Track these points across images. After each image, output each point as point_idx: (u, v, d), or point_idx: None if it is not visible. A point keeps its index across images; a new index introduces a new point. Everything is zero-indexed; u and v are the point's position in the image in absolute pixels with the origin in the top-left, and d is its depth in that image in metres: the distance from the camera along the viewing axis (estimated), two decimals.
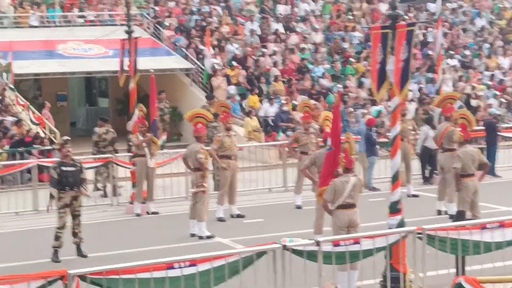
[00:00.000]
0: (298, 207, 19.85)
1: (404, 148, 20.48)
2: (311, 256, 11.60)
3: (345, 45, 34.71)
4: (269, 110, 29.03)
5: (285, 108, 28.61)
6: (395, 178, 12.63)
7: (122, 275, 10.54)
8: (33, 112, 26.98)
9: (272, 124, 28.56)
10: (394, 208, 12.64)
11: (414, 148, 22.49)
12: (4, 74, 28.03)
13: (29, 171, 21.47)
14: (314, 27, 35.80)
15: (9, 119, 26.08)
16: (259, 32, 34.37)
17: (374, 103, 28.96)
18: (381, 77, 12.27)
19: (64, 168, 15.65)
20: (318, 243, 11.64)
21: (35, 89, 32.89)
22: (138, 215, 19.62)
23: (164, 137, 22.48)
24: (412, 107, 28.70)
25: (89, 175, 22.18)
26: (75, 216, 15.78)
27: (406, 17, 35.77)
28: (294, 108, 28.71)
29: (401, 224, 12.56)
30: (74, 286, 10.38)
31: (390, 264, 12.33)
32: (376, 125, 23.35)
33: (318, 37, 35.11)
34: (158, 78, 23.11)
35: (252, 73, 31.51)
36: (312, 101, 25.60)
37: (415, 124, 23.09)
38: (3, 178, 22.42)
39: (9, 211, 20.48)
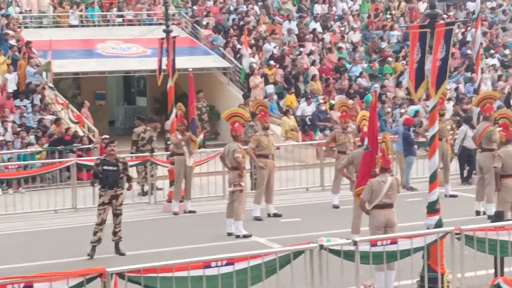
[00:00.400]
0: (336, 207, 19.81)
1: (442, 148, 20.35)
2: (348, 256, 11.58)
3: (383, 44, 34.57)
4: (307, 109, 28.99)
5: (322, 107, 28.55)
6: (433, 178, 12.58)
7: (160, 273, 10.61)
8: (72, 111, 27.18)
9: (309, 123, 28.52)
10: (432, 208, 12.59)
11: (453, 148, 22.34)
12: (44, 73, 28.26)
13: (68, 169, 21.62)
14: (352, 26, 35.70)
15: (49, 117, 26.29)
16: (296, 31, 34.34)
17: (412, 102, 28.81)
18: (419, 76, 12.22)
19: (105, 167, 15.76)
20: (355, 243, 11.62)
21: (74, 88, 33.14)
22: (175, 213, 19.70)
23: (201, 136, 22.53)
24: (450, 106, 28.51)
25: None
26: (116, 215, 15.89)
27: (445, 16, 35.54)
28: (331, 107, 28.67)
29: (439, 224, 12.50)
30: (112, 284, 10.46)
31: (428, 265, 12.28)
32: (414, 124, 23.23)
33: (356, 36, 35.00)
34: (195, 77, 23.14)
35: (290, 72, 31.50)
36: (350, 101, 25.55)
37: (453, 123, 22.93)
38: (43, 176, 22.59)
39: (48, 209, 20.66)
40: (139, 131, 22.50)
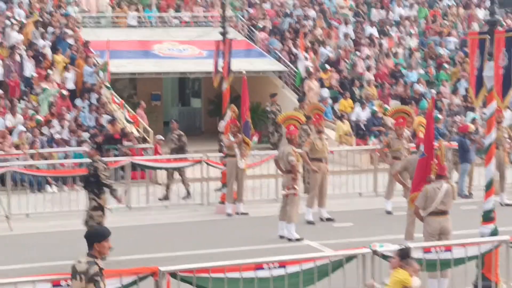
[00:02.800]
0: (389, 213, 19.69)
1: (499, 156, 20.13)
2: None
3: (440, 50, 34.28)
4: (361, 114, 28.87)
5: (379, 114, 28.37)
6: (488, 186, 12.45)
7: (212, 273, 10.65)
8: (128, 111, 27.41)
9: (364, 128, 28.39)
10: (488, 217, 12.47)
11: (509, 156, 22.06)
12: (101, 73, 28.54)
13: (122, 168, 21.80)
14: (409, 31, 35.46)
15: (105, 117, 26.55)
16: (353, 35, 34.23)
17: (468, 109, 28.53)
18: (479, 83, 12.10)
19: None
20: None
21: (130, 88, 33.40)
22: (229, 215, 19.75)
23: (254, 138, 22.55)
24: (508, 114, 28.18)
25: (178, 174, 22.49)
26: None
27: (503, 23, 35.12)
28: (385, 112, 28.53)
29: (494, 233, 12.37)
30: (164, 283, 10.53)
31: (482, 274, 12.16)
32: (470, 132, 23.00)
33: (413, 42, 34.77)
34: (250, 79, 23.25)
35: (345, 76, 31.40)
36: (407, 107, 25.30)
37: (510, 132, 22.66)
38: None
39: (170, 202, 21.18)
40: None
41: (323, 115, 21.66)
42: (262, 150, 24.78)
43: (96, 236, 8.96)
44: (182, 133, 22.75)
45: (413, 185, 14.00)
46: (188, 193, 21.94)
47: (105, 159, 22.08)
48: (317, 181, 18.91)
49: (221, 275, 10.62)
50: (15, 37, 28.71)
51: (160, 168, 22.99)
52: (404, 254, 9.91)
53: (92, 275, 8.72)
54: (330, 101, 29.80)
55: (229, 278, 10.80)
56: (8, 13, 30.17)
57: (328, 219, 19.07)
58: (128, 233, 18.25)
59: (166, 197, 21.95)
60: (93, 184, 15.76)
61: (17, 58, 27.89)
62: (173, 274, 10.59)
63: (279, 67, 31.61)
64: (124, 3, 34.33)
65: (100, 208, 15.68)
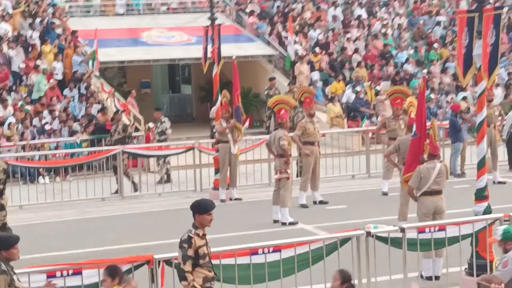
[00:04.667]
0: (385, 194, 19.66)
1: (490, 134, 20.14)
2: (395, 243, 11.55)
3: (429, 30, 34.24)
4: (352, 96, 28.83)
5: (361, 95, 28.34)
6: (481, 165, 12.45)
7: None
8: (118, 99, 27.33)
9: (348, 110, 28.36)
10: (481, 195, 12.47)
11: (501, 134, 22.08)
12: (90, 62, 28.43)
13: (114, 157, 21.74)
14: (397, 12, 35.40)
15: (95, 106, 26.46)
16: (341, 17, 34.16)
17: (458, 89, 28.53)
18: (467, 62, 12.08)
19: None
20: (402, 230, 11.58)
21: (120, 76, 33.30)
22: (222, 201, 19.73)
23: (246, 123, 22.52)
24: (499, 92, 28.20)
25: (173, 161, 22.48)
26: None
27: (491, 0, 35.09)
28: (376, 93, 28.52)
29: (487, 211, 12.38)
30: (159, 270, 10.55)
31: (476, 252, 12.18)
32: (461, 111, 23.00)
33: (401, 22, 34.71)
34: (240, 64, 23.17)
35: (335, 59, 31.35)
36: (404, 86, 25.20)
37: (502, 110, 22.67)
38: (89, 164, 22.75)
39: (95, 197, 20.84)
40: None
41: (314, 98, 21.64)
42: (254, 135, 24.76)
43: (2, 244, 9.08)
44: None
45: (407, 165, 14.00)
46: (168, 178, 22.12)
47: (97, 148, 22.25)
48: (310, 165, 18.87)
49: (216, 261, 10.60)
50: (3, 27, 28.56)
51: (152, 156, 22.98)
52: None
53: None
54: (320, 83, 29.76)
55: (224, 264, 10.81)
56: None
57: (322, 202, 19.06)
58: (121, 221, 18.27)
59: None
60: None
61: (5, 49, 27.76)
62: (168, 262, 10.60)
63: (269, 51, 31.55)
64: None
65: (3, 208, 15.16)
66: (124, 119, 22.83)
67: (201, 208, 9.59)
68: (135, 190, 21.46)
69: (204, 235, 9.60)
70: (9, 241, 9.15)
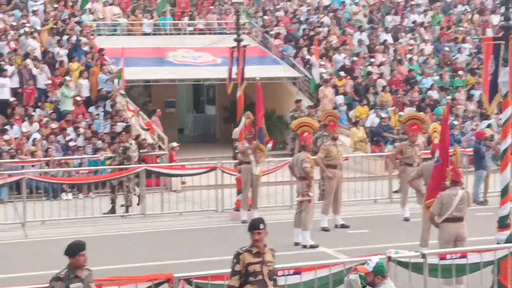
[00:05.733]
0: (406, 219, 19.61)
1: None
2: (416, 268, 11.52)
3: (455, 56, 34.20)
4: (375, 120, 28.80)
5: (384, 122, 28.28)
6: (504, 192, 12.41)
7: (226, 280, 10.64)
8: (143, 118, 27.47)
9: (372, 135, 28.32)
10: (503, 223, 12.44)
11: None
12: (116, 80, 28.60)
13: (137, 175, 21.82)
14: (424, 38, 35.41)
15: (119, 124, 26.58)
16: (367, 42, 34.20)
17: (483, 116, 28.44)
18: (493, 89, 12.08)
19: None
20: (424, 256, 11.54)
21: (145, 95, 33.45)
22: (244, 222, 19.72)
23: (269, 144, 22.57)
24: None
25: (196, 181, 22.52)
26: None
27: None
28: (400, 119, 28.48)
29: (509, 239, 12.32)
30: None
31: (497, 280, 12.11)
32: (485, 138, 22.93)
33: (427, 48, 34.70)
34: (265, 86, 23.22)
35: (360, 83, 31.37)
36: (421, 113, 25.27)
37: None
38: (112, 182, 22.82)
39: (116, 214, 20.91)
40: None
41: (338, 121, 21.66)
42: (277, 157, 24.77)
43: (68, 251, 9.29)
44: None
45: (428, 191, 13.97)
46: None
47: (120, 166, 22.32)
48: (332, 188, 18.88)
49: None
50: (31, 44, 28.82)
51: (175, 175, 23.05)
52: None
53: None
54: (344, 107, 29.76)
55: None
56: (24, 21, 30.29)
57: (343, 226, 19.04)
58: (143, 239, 18.30)
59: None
60: None
61: (30, 66, 27.98)
62: (188, 281, 10.62)
63: (293, 73, 31.62)
64: (138, 10, 34.42)
65: None
66: (131, 143, 22.24)
67: (249, 226, 9.87)
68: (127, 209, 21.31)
69: (258, 253, 9.66)
70: (75, 248, 9.25)
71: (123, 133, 22.94)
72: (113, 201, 21.30)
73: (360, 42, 33.80)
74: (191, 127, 36.19)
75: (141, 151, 24.85)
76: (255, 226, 9.74)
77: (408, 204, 19.74)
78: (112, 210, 21.24)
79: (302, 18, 35.64)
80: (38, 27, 30.09)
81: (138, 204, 21.31)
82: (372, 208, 21.64)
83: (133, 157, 21.88)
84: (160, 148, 25.89)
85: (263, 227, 9.70)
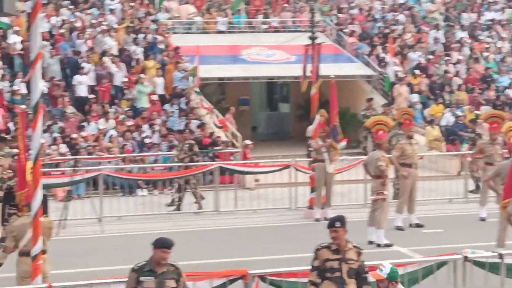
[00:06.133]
0: (482, 219, 19.35)
1: None
2: (493, 268, 11.36)
3: None
4: (451, 119, 28.49)
5: (460, 120, 27.91)
6: None
7: (301, 278, 10.66)
8: (217, 116, 27.63)
9: (448, 133, 27.99)
10: None
11: None
12: (190, 78, 28.83)
13: (211, 173, 21.98)
14: (501, 35, 34.88)
15: (194, 122, 26.80)
16: (443, 40, 33.81)
17: None
18: None
19: None
20: (501, 256, 11.37)
21: (219, 93, 33.65)
22: (317, 220, 19.72)
23: (343, 143, 22.50)
24: None
25: (269, 179, 22.58)
26: None
27: None
28: (477, 118, 28.08)
29: None
30: (253, 286, 10.60)
31: None
32: None
33: (505, 46, 34.17)
34: (339, 84, 23.13)
35: (435, 81, 31.04)
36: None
37: None
38: (186, 179, 23.00)
39: (190, 211, 21.08)
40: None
41: (413, 120, 21.48)
42: (350, 155, 24.68)
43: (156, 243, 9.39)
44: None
45: (505, 191, 13.76)
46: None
47: (194, 163, 22.50)
48: (407, 187, 18.74)
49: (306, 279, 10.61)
50: (108, 42, 29.23)
51: (249, 173, 23.13)
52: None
53: None
54: (419, 106, 29.49)
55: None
56: (101, 19, 30.74)
57: (418, 225, 18.88)
58: (217, 236, 18.41)
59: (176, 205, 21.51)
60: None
61: (108, 64, 28.39)
62: (263, 278, 10.64)
63: (368, 71, 31.45)
64: (213, 9, 34.62)
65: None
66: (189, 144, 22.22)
67: (327, 223, 9.89)
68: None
69: (338, 250, 9.66)
70: (161, 242, 9.32)
71: (187, 130, 23.08)
72: (179, 199, 21.38)
73: (435, 40, 33.44)
74: (264, 125, 36.23)
75: (215, 148, 25.07)
76: (331, 224, 9.74)
77: (488, 204, 19.42)
78: (178, 208, 21.30)
79: (377, 16, 35.41)
80: (115, 26, 30.51)
81: (195, 203, 21.40)
82: (447, 208, 21.41)
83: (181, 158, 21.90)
84: (233, 145, 26.02)
85: (339, 225, 9.67)
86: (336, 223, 9.69)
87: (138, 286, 9.24)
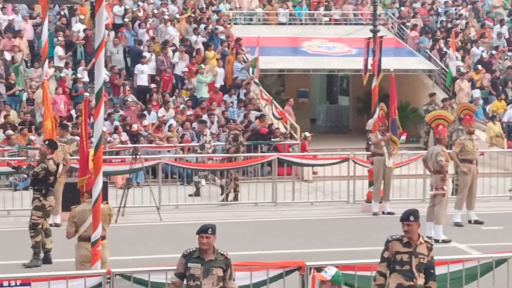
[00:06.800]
0: None
1: None
2: None
3: None
4: None
5: None
6: None
7: (358, 271, 10.64)
8: (276, 107, 27.65)
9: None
10: None
11: None
12: (250, 69, 28.89)
13: (269, 164, 22.01)
14: None
15: (253, 113, 26.86)
16: (507, 35, 33.35)
17: None
18: None
19: None
20: None
21: (278, 84, 33.67)
22: (375, 214, 19.63)
23: (402, 137, 22.33)
24: None
25: (327, 171, 22.53)
26: None
27: None
28: None
29: None
30: (310, 277, 10.58)
31: None
32: None
33: None
34: (399, 78, 23.02)
35: (498, 77, 30.64)
36: None
37: None
38: (244, 169, 23.09)
39: (248, 202, 21.15)
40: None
41: (474, 115, 21.25)
42: (410, 150, 24.51)
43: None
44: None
45: None
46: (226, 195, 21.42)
47: (253, 154, 22.53)
48: (467, 183, 18.55)
49: (367, 273, 10.59)
50: (170, 32, 29.42)
51: (307, 165, 23.10)
52: None
53: None
54: (481, 101, 29.16)
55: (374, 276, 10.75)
56: (163, 9, 30.96)
57: (477, 222, 18.68)
58: (274, 227, 18.44)
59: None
60: (41, 183, 14.99)
61: (170, 53, 28.58)
62: (319, 270, 10.60)
63: (429, 66, 31.19)
64: (275, 0, 34.64)
65: (40, 209, 14.98)
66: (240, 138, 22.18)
67: (401, 217, 9.78)
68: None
69: (409, 243, 9.63)
70: (200, 228, 9.41)
71: (231, 121, 23.06)
72: (224, 189, 21.47)
73: (499, 35, 33.03)
74: (323, 117, 36.19)
75: (273, 140, 25.08)
76: (405, 217, 9.71)
77: None
78: (226, 198, 21.34)
79: (440, 10, 35.08)
80: (177, 16, 30.69)
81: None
82: (507, 205, 21.14)
83: (206, 148, 21.99)
84: (292, 137, 26.02)
85: (412, 219, 9.63)
86: (410, 217, 9.65)
87: (186, 272, 9.33)
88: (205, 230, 9.33)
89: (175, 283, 9.47)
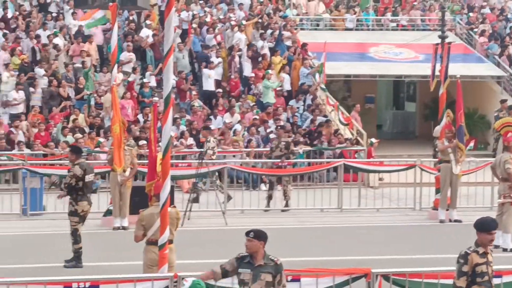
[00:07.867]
0: None
1: None
2: None
3: None
4: None
5: None
6: None
7: (425, 279, 10.56)
8: (342, 113, 27.59)
9: None
10: None
11: None
12: (317, 75, 28.87)
13: (335, 169, 21.96)
14: None
15: (319, 118, 26.83)
16: None
17: None
18: None
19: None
20: None
21: (344, 90, 33.58)
22: (442, 221, 19.46)
23: (471, 144, 22.12)
24: None
25: (394, 178, 22.40)
26: None
27: None
28: None
29: None
30: (376, 284, 10.55)
31: None
32: None
33: None
34: (467, 84, 22.78)
35: None
36: None
37: None
38: (310, 175, 23.08)
39: (314, 207, 21.12)
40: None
41: None
42: (478, 157, 24.24)
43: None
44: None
45: None
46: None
47: (318, 160, 22.46)
48: None
49: (434, 281, 10.52)
50: (237, 37, 29.57)
51: (373, 171, 23.00)
52: None
53: None
54: None
55: (442, 284, 10.68)
56: (230, 15, 31.14)
57: None
58: (340, 234, 18.39)
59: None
60: (71, 189, 15.14)
61: (236, 58, 28.73)
62: (386, 277, 10.58)
63: (498, 72, 30.81)
64: (342, 5, 34.58)
65: (74, 214, 15.16)
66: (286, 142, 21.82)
67: (482, 227, 9.57)
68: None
69: (484, 253, 9.53)
70: (246, 231, 9.38)
71: (279, 127, 22.78)
72: (270, 197, 21.19)
73: None
74: (389, 123, 35.98)
75: (338, 145, 25.03)
76: (491, 227, 9.54)
77: None
78: (268, 204, 21.15)
79: (509, 16, 34.64)
80: (243, 21, 30.84)
81: (223, 202, 20.79)
82: None
83: (208, 154, 21.59)
84: (358, 143, 25.93)
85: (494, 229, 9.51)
86: (494, 226, 9.50)
87: (234, 274, 9.42)
88: (247, 234, 9.34)
89: (215, 272, 9.55)
